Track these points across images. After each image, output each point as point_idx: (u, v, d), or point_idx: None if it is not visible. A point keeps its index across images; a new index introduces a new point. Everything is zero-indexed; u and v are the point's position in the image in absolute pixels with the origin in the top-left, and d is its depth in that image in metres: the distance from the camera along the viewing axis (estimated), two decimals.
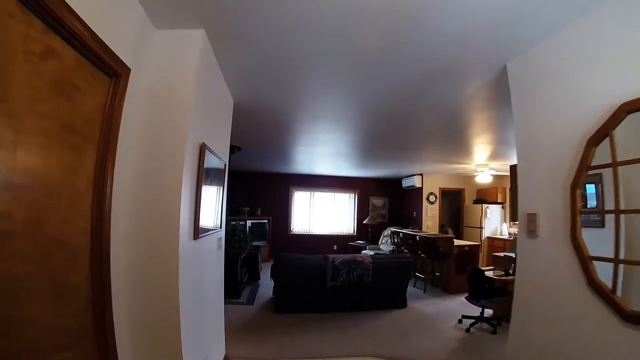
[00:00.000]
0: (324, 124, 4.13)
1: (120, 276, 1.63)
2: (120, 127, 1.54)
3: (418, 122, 3.91)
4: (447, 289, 6.13)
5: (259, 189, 9.13)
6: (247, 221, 8.00)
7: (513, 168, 5.04)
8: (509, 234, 8.11)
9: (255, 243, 7.97)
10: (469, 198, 9.02)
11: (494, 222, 8.27)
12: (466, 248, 6.54)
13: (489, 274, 4.62)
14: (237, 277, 5.29)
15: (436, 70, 2.40)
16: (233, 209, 8.12)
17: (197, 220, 1.97)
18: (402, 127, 4.14)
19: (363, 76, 2.56)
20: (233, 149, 5.61)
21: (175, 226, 1.72)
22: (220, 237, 2.73)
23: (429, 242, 6.20)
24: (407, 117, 3.70)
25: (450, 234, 9.12)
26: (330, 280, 4.23)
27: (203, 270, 2.24)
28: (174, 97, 1.83)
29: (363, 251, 8.38)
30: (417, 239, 6.36)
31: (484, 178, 7.09)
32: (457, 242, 6.50)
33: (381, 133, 4.52)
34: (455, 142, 4.95)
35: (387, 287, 4.67)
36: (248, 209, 8.33)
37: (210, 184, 2.33)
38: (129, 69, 1.58)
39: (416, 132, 4.40)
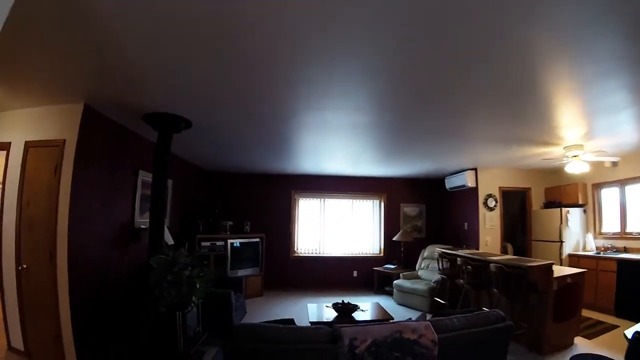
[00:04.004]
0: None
1: None
2: None
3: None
4: (540, 347, 3.59)
5: (247, 197, 6.75)
6: (230, 241, 5.61)
7: None
8: (597, 248, 5.65)
9: (241, 272, 5.60)
10: (535, 201, 6.60)
11: (574, 233, 5.84)
12: (568, 280, 3.94)
13: None
14: (179, 345, 2.93)
15: None
16: (208, 224, 5.78)
17: None
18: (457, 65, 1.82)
19: None
20: (178, 124, 3.32)
21: None
22: None
23: (516, 274, 3.63)
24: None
25: (510, 252, 6.51)
26: None
27: None
28: None
29: (396, 281, 5.83)
30: (492, 268, 3.82)
31: (577, 167, 4.60)
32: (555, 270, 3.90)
33: (425, 82, 2.15)
34: (538, 104, 2.84)
35: None
36: (231, 223, 5.94)
37: None
38: None
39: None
